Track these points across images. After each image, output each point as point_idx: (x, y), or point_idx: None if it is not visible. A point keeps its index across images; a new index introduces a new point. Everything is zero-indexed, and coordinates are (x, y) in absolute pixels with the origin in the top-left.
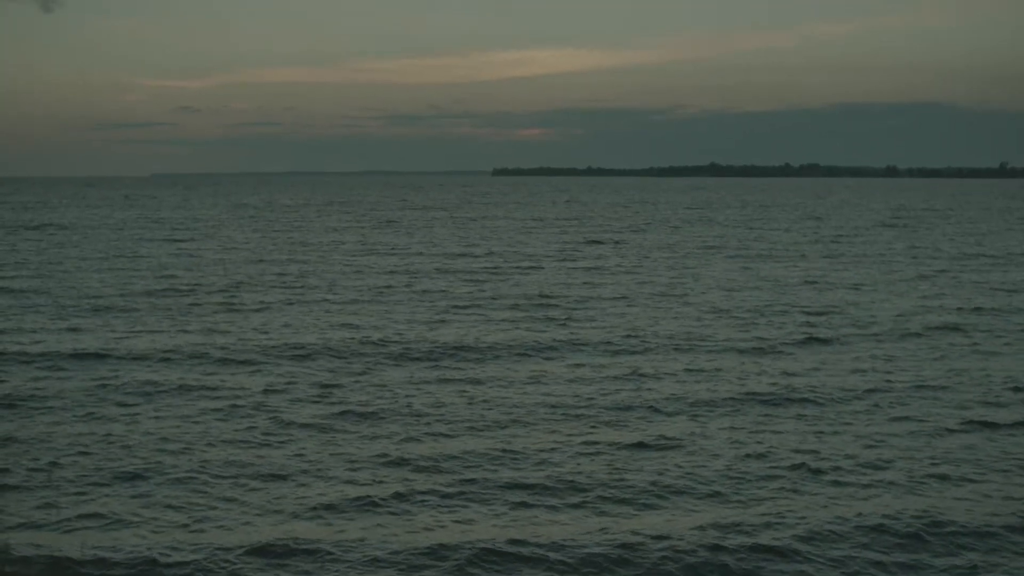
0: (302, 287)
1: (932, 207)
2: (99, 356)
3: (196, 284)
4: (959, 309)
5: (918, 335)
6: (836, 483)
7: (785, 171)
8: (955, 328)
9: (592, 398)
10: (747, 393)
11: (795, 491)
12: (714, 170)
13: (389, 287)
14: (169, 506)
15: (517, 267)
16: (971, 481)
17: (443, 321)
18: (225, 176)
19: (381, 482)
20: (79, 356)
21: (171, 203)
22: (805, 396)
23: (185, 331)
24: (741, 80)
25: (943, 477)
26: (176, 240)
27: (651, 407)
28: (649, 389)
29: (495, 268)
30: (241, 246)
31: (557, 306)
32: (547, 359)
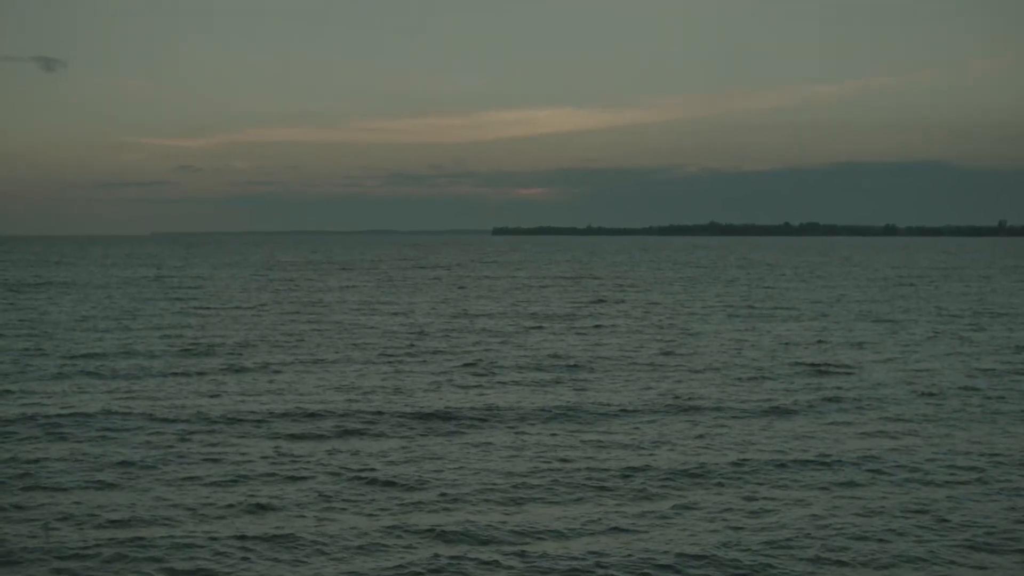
0: (305, 347)
1: (936, 265)
2: (100, 416)
3: (199, 344)
4: (969, 369)
5: (928, 395)
6: (840, 562)
7: (785, 230)
8: (966, 389)
9: (600, 463)
10: (753, 457)
11: (799, 559)
12: (714, 229)
13: (394, 347)
14: (172, 571)
15: (521, 327)
16: (984, 550)
17: (449, 383)
18: (226, 235)
19: (384, 552)
20: (79, 417)
21: (172, 262)
22: (811, 458)
23: (188, 392)
24: (740, 140)
25: (958, 546)
26: (177, 299)
27: (660, 472)
28: (657, 453)
29: (499, 329)
30: (243, 305)
31: (562, 367)
32: (553, 422)
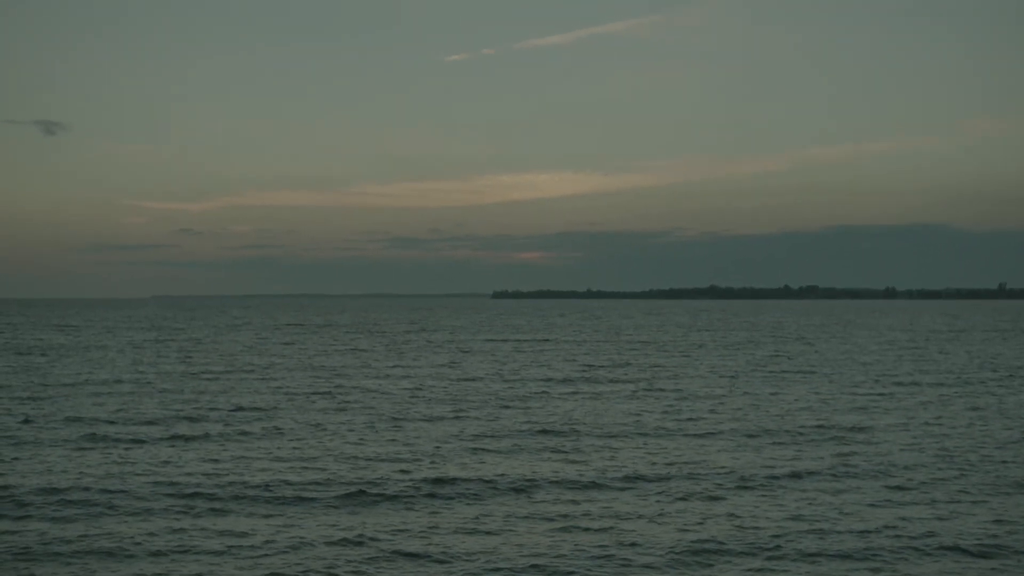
0: (308, 411)
1: (938, 329)
2: (98, 483)
3: (200, 409)
4: (981, 433)
5: (940, 460)
6: None
7: (784, 293)
8: (980, 456)
9: (608, 535)
10: (764, 530)
11: None
12: (714, 292)
13: (398, 411)
14: None
15: (526, 392)
16: None
17: (454, 448)
18: (226, 298)
19: None
20: (77, 484)
21: (172, 324)
22: (827, 528)
23: (188, 459)
24: (739, 204)
25: None
26: (178, 361)
27: (666, 547)
28: (665, 523)
29: (503, 392)
30: (243, 369)
31: (568, 432)
32: (559, 489)
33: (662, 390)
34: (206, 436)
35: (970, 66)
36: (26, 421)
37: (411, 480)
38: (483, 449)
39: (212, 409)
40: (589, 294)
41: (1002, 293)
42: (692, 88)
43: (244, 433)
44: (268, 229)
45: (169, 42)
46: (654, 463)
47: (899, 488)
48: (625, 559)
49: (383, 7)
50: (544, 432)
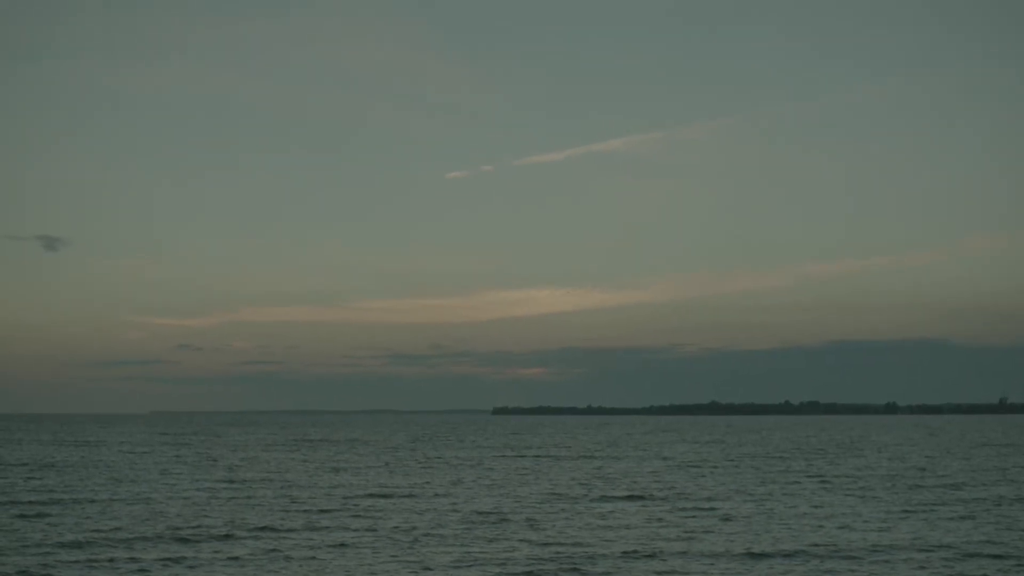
0: (309, 533)
1: (948, 447)
2: None
3: (194, 527)
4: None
5: None
6: None
7: (785, 408)
8: None
9: None
10: None
11: None
12: (715, 408)
13: (408, 529)
14: None
15: (537, 513)
16: None
17: (466, 570)
18: (226, 414)
19: None
20: None
21: (168, 439)
22: None
23: None
24: (738, 319)
25: None
26: (171, 481)
27: None
28: None
29: (512, 512)
30: (241, 485)
31: (584, 558)
32: None
33: (681, 510)
34: (200, 554)
35: (970, 182)
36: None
37: None
38: (495, 573)
39: (206, 528)
40: (590, 410)
41: (1003, 408)
42: (692, 204)
43: (241, 559)
44: (268, 345)
45: (169, 158)
46: None
47: None
48: None
49: (383, 125)
50: (554, 560)
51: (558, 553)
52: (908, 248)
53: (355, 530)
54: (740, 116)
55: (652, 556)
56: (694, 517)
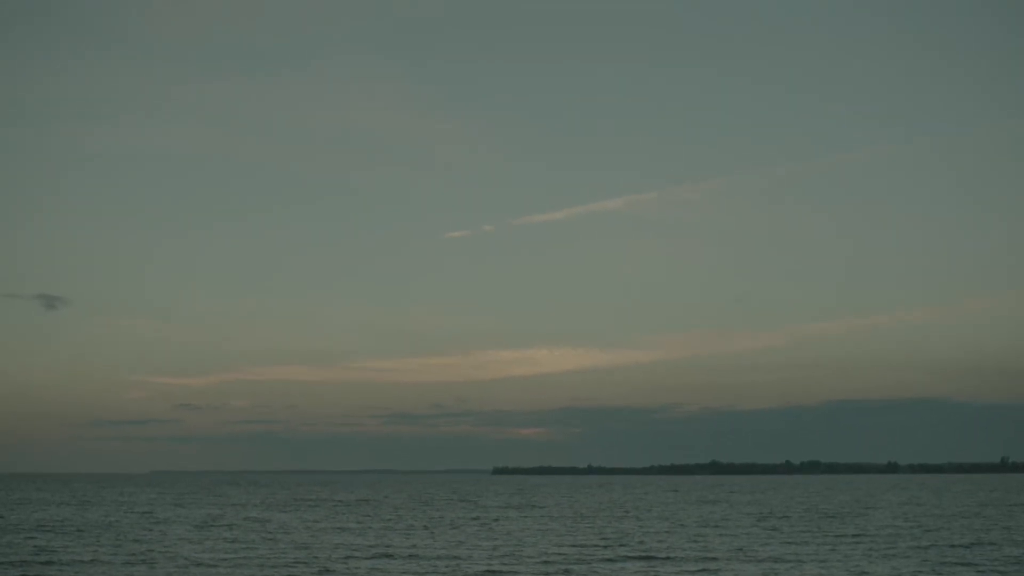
0: None
1: (953, 510)
2: None
3: None
4: None
5: None
6: None
7: (786, 468)
8: None
9: None
10: None
11: None
12: (715, 468)
13: None
14: None
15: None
16: None
17: None
18: (225, 474)
19: None
20: None
21: (167, 500)
22: None
23: None
24: (738, 379)
25: None
26: (170, 544)
27: None
28: None
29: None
30: (240, 550)
31: None
32: None
33: (692, 574)
34: None
35: (968, 247)
36: None
37: None
38: None
39: None
40: (590, 470)
41: (1004, 467)
42: (691, 264)
43: None
44: (267, 404)
45: (169, 217)
46: None
47: None
48: None
49: (383, 185)
50: None
51: None
52: (907, 307)
53: None
54: (738, 175)
55: None
56: None
